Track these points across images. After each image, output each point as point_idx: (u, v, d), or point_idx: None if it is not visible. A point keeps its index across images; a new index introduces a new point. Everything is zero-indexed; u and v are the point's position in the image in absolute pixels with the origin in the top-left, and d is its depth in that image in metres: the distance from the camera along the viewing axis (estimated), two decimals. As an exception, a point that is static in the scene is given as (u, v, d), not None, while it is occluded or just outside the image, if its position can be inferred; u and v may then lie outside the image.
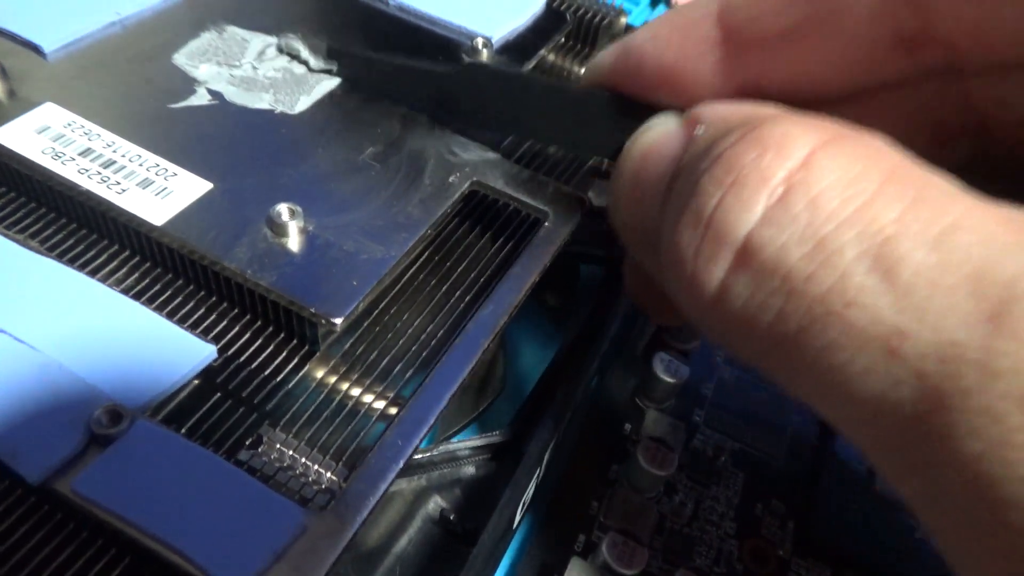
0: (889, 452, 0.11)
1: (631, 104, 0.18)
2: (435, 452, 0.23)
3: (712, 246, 0.13)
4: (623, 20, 0.32)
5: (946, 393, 0.10)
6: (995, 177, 0.14)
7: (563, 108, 0.20)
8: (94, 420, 0.15)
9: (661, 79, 0.17)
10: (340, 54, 0.25)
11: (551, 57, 0.31)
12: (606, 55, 0.18)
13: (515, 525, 0.22)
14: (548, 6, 0.30)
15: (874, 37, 0.14)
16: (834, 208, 0.11)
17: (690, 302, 0.13)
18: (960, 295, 0.10)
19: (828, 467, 0.26)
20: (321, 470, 0.17)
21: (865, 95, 0.15)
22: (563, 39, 0.31)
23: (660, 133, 0.16)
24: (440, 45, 0.28)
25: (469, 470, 0.23)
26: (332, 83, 0.25)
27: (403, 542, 0.22)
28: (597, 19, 0.31)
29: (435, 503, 0.23)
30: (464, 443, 0.23)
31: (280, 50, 0.25)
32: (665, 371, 0.26)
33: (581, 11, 0.31)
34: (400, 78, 0.24)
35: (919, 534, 0.24)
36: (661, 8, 0.43)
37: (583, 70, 0.18)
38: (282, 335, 0.19)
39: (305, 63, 0.25)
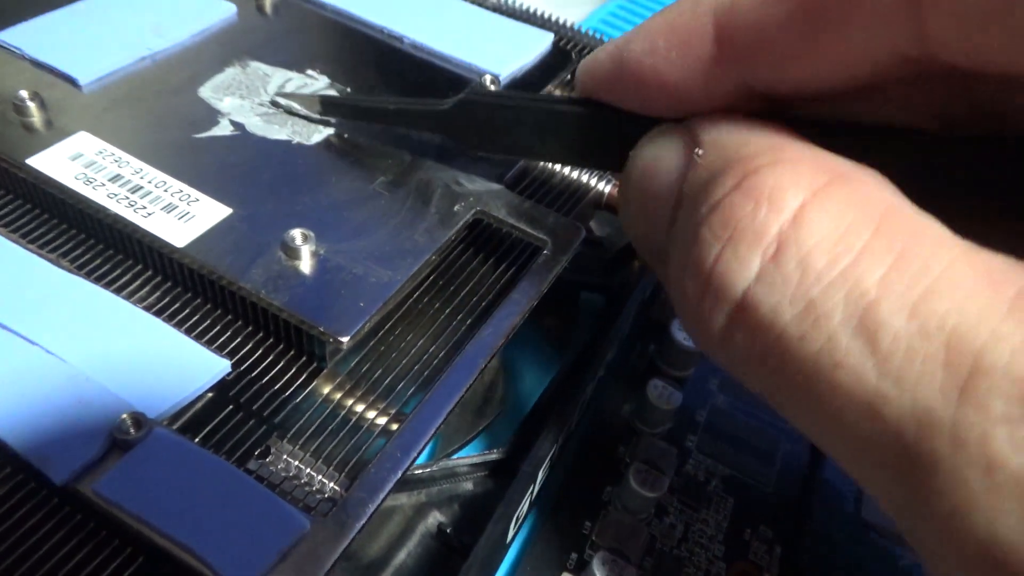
0: (877, 489, 0.12)
1: (628, 116, 0.18)
2: (435, 468, 0.24)
3: (712, 300, 0.13)
4: (627, 59, 0.33)
5: (923, 454, 0.11)
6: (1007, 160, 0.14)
7: (560, 128, 0.20)
8: (116, 427, 0.16)
9: (659, 94, 0.16)
10: (334, 107, 0.25)
11: (557, 93, 0.32)
12: (599, 65, 0.17)
13: (508, 540, 0.23)
14: (555, 45, 0.32)
15: (875, 55, 0.14)
16: (822, 268, 0.12)
17: (695, 337, 0.14)
18: (935, 364, 0.11)
19: (817, 494, 0.26)
20: (324, 480, 0.18)
21: (870, 91, 0.15)
22: (568, 76, 0.32)
23: (660, 149, 0.16)
24: (451, 81, 0.29)
25: (467, 486, 0.24)
26: (347, 116, 0.26)
27: (402, 555, 0.23)
28: (602, 58, 0.32)
29: (434, 518, 0.24)
30: (463, 460, 0.24)
31: (278, 106, 0.26)
32: (659, 398, 0.27)
33: (586, 50, 0.33)
34: (400, 119, 0.24)
35: (905, 562, 0.25)
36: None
37: (575, 73, 0.18)
38: (292, 352, 0.20)
39: (305, 118, 0.26)
